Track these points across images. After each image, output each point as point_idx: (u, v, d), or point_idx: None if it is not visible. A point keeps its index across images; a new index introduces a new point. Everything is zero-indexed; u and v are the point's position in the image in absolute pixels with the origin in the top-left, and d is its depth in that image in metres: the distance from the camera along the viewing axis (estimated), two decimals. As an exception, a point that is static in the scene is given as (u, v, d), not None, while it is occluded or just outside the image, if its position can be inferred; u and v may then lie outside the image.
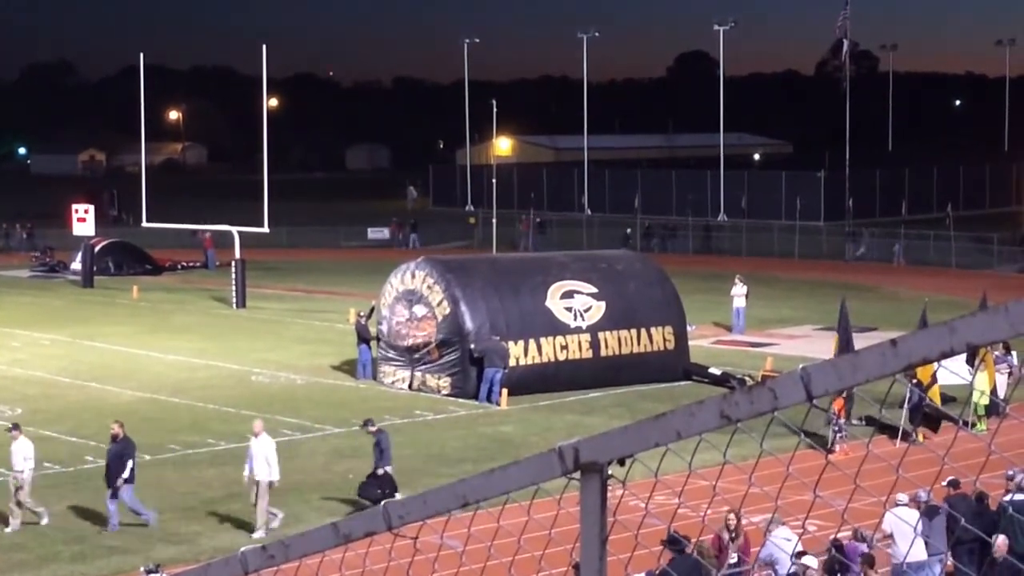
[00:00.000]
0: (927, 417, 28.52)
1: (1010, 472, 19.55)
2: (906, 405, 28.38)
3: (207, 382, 36.97)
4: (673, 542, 15.71)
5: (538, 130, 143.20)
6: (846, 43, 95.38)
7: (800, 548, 16.11)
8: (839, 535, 18.22)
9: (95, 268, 59.58)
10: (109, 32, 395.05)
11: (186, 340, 43.83)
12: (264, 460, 23.63)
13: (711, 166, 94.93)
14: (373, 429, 25.03)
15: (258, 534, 23.00)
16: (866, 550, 17.44)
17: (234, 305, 51.43)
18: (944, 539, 18.55)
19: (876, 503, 16.85)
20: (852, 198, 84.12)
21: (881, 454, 24.48)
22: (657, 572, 15.85)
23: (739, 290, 44.65)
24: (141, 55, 59.86)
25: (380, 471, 24.35)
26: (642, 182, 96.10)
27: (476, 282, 35.56)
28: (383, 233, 79.67)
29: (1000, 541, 16.97)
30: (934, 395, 28.71)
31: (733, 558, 17.55)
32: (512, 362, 34.50)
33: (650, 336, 36.67)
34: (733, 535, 17.94)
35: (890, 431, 28.91)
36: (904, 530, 17.59)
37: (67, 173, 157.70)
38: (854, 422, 29.72)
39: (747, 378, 34.84)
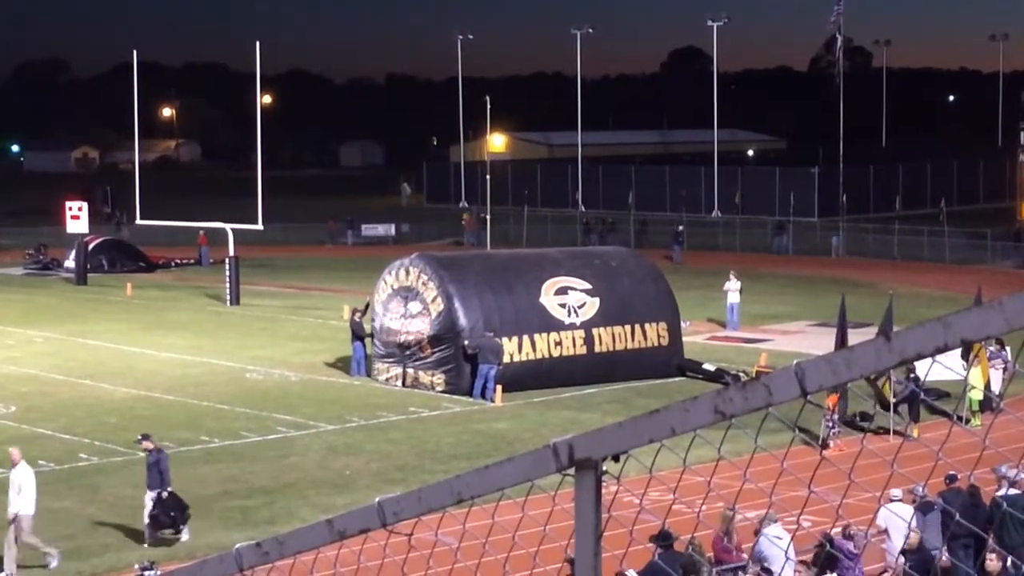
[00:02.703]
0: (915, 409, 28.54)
1: (1002, 468, 19.57)
2: (893, 399, 28.35)
3: (201, 379, 36.95)
4: (663, 537, 15.72)
5: (532, 127, 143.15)
6: (839, 39, 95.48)
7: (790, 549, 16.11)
8: (832, 530, 18.23)
9: (89, 266, 59.57)
10: (102, 29, 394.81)
11: (180, 337, 43.80)
12: (18, 490, 21.38)
13: (705, 162, 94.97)
14: (150, 447, 22.85)
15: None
16: (852, 548, 17.45)
17: (228, 302, 51.42)
18: (939, 534, 18.56)
19: (871, 499, 16.85)
20: (846, 194, 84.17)
21: (875, 450, 24.51)
22: (645, 567, 15.86)
23: (733, 286, 44.68)
24: (134, 52, 59.85)
25: (164, 494, 22.45)
26: (636, 178, 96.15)
27: (470, 278, 35.56)
28: (376, 230, 79.70)
29: (912, 537, 16.95)
30: (885, 391, 28.40)
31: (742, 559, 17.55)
32: (506, 358, 34.50)
33: (644, 332, 36.67)
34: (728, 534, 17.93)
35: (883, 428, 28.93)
36: (898, 525, 17.60)
37: (61, 170, 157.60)
38: (849, 416, 29.72)
39: (741, 374, 34.86)
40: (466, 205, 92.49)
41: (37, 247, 66.41)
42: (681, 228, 69.69)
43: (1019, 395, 32.96)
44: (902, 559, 16.26)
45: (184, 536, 22.51)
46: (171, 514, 22.51)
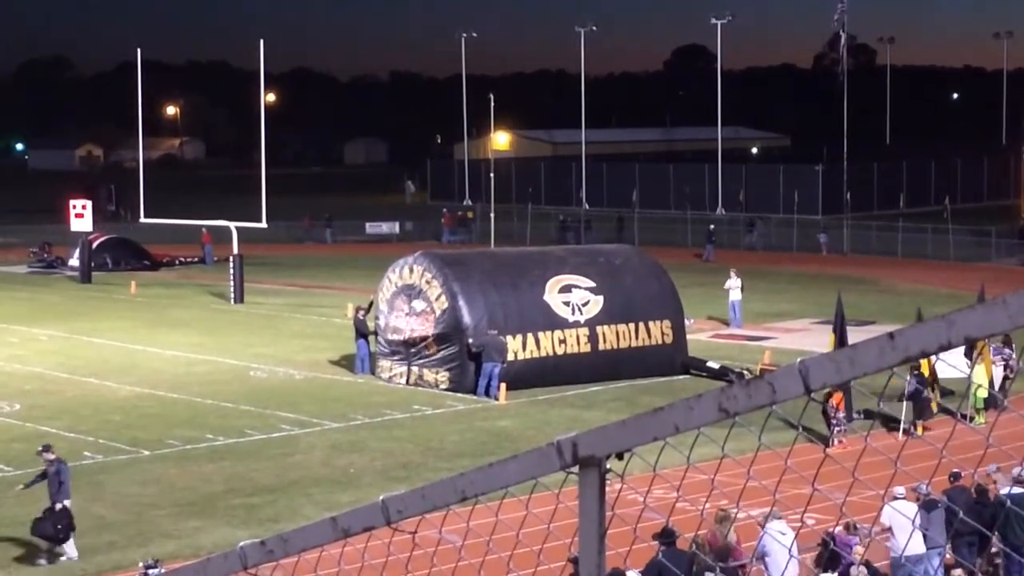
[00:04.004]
0: (919, 406, 28.56)
1: (992, 468, 19.57)
2: (905, 396, 28.34)
3: (205, 377, 36.96)
4: (667, 535, 15.72)
5: (536, 124, 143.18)
6: (843, 36, 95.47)
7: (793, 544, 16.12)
8: (831, 528, 18.22)
9: (93, 264, 59.59)
10: (106, 27, 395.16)
11: (184, 335, 43.81)
12: None
13: (709, 160, 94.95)
14: (51, 457, 22.18)
15: None
16: (857, 543, 17.44)
17: (232, 300, 51.41)
18: (943, 532, 18.56)
19: (874, 496, 16.86)
20: (850, 191, 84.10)
21: (879, 447, 24.47)
22: (648, 565, 15.87)
23: (733, 283, 44.66)
24: (138, 50, 59.91)
25: (58, 505, 21.69)
26: (640, 176, 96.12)
27: (474, 276, 35.55)
28: (381, 228, 79.76)
29: (858, 550, 16.99)
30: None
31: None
32: (510, 356, 34.50)
33: (648, 330, 36.66)
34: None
35: (890, 423, 28.91)
36: (902, 523, 17.59)
37: (65, 168, 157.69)
38: (854, 415, 29.69)
39: (745, 372, 34.85)
40: (470, 203, 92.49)
41: (41, 245, 66.41)
42: (713, 227, 69.46)
43: (1022, 393, 32.91)
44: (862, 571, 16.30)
45: (67, 556, 21.66)
46: (59, 527, 21.65)
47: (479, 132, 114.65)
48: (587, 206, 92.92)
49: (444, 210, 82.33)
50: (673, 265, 45.15)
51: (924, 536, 18.42)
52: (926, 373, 28.24)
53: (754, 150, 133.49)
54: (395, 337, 35.93)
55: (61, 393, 34.86)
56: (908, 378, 26.95)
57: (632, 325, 36.44)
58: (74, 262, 60.69)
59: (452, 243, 73.03)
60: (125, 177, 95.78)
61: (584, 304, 36.12)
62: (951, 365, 27.97)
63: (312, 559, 4.02)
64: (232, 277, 51.67)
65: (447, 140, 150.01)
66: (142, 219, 59.40)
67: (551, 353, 35.31)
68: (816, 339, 39.35)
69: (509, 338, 34.63)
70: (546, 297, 35.80)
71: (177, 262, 65.45)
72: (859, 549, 17.00)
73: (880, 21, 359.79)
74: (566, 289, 36.17)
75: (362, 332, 37.18)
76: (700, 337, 41.24)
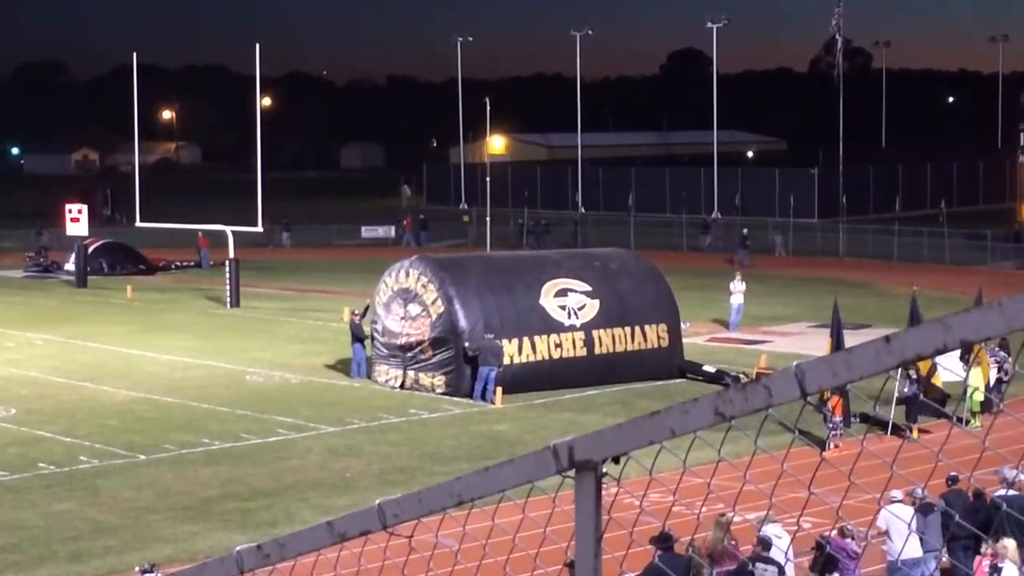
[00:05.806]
0: (925, 408, 28.55)
1: (1004, 470, 19.57)
2: (893, 399, 28.33)
3: (201, 382, 36.93)
4: (664, 539, 15.71)
5: (532, 128, 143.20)
6: (839, 40, 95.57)
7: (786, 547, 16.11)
8: (826, 532, 18.22)
9: (89, 268, 59.55)
10: (102, 31, 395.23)
11: (180, 340, 43.79)
12: None
13: (705, 164, 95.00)
14: None
15: None
16: (854, 547, 17.43)
17: (228, 304, 51.39)
18: (939, 535, 18.56)
19: (871, 500, 16.86)
20: (846, 195, 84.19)
21: (876, 451, 24.50)
22: (645, 569, 15.85)
23: (738, 286, 44.74)
24: (134, 54, 59.89)
25: None
26: (636, 180, 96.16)
27: (470, 280, 35.55)
28: (376, 232, 79.72)
29: None
30: (935, 381, 28.65)
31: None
32: (506, 360, 34.48)
33: (644, 334, 36.66)
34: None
35: (884, 427, 28.93)
36: (899, 527, 17.59)
37: (61, 173, 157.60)
38: (852, 419, 29.69)
39: (741, 375, 34.85)
40: (466, 207, 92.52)
41: (37, 250, 66.39)
42: (746, 231, 68.95)
43: (1019, 396, 32.94)
44: None
45: None
46: None
47: (475, 136, 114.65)
48: (583, 210, 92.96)
49: (407, 215, 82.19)
50: (670, 268, 45.14)
51: (920, 540, 18.42)
52: (923, 371, 28.21)
53: (750, 154, 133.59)
54: (391, 341, 35.92)
55: (57, 397, 34.82)
56: (904, 381, 26.93)
57: (628, 329, 36.44)
58: (70, 266, 60.65)
59: (412, 246, 72.15)
60: (121, 181, 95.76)
61: (580, 308, 36.11)
62: (947, 368, 27.99)
63: (308, 563, 4.01)
64: (228, 281, 51.65)
65: (443, 144, 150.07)
66: (138, 223, 59.33)
67: (547, 357, 35.30)
68: (813, 343, 39.37)
69: (505, 342, 34.62)
70: (542, 301, 35.80)
71: (173, 266, 65.40)
72: None
73: (876, 25, 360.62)
74: (562, 293, 36.17)
75: (358, 336, 37.18)
76: (697, 341, 41.24)
